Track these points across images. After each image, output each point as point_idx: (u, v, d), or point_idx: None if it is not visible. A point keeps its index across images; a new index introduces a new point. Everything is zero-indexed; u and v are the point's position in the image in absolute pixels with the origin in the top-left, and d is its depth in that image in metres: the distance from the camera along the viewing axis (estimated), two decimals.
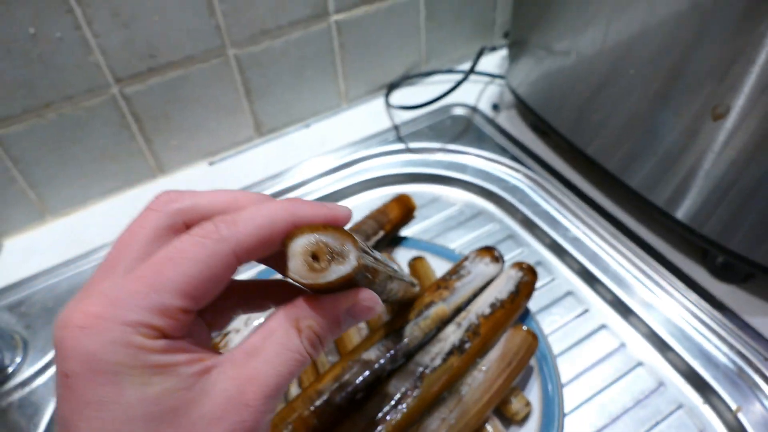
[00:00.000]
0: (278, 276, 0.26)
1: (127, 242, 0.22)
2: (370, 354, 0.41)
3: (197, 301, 0.21)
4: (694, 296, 0.49)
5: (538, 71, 0.62)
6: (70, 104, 0.55)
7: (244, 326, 0.43)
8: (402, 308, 0.44)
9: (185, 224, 0.23)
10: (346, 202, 0.64)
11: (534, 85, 0.63)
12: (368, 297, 0.24)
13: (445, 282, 0.46)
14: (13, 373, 0.49)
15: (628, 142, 0.53)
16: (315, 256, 0.22)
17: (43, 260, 0.58)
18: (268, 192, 0.63)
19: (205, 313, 0.25)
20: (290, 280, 0.22)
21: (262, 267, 0.55)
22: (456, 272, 0.47)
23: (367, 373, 0.40)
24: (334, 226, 0.22)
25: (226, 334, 0.43)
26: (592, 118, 0.56)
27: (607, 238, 0.55)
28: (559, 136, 0.60)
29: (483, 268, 0.47)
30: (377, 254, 0.28)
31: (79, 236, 0.60)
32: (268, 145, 0.69)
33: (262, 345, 0.22)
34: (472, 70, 0.68)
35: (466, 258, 0.48)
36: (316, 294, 0.23)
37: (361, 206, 0.62)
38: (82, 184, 0.61)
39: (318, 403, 0.38)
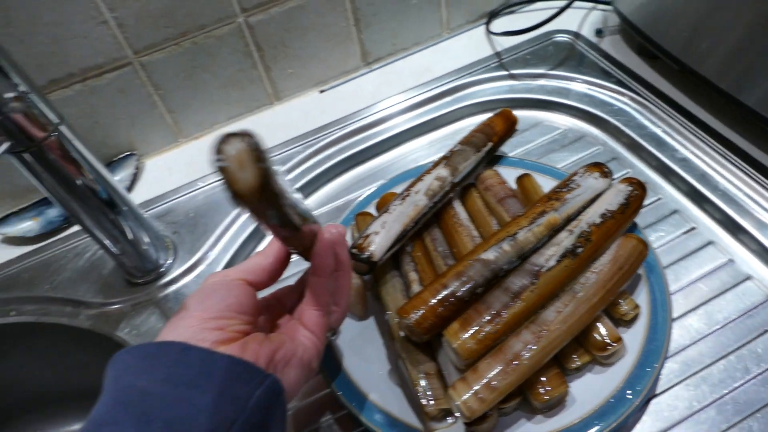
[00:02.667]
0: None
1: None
2: (488, 255, 0.44)
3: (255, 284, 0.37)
4: None
5: None
6: (202, 33, 0.60)
7: (382, 228, 0.48)
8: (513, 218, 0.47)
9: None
10: (450, 128, 0.67)
11: (644, 7, 0.62)
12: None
13: (556, 194, 0.49)
14: (166, 271, 0.57)
15: (745, 58, 0.52)
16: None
17: (180, 177, 0.65)
18: (376, 117, 0.66)
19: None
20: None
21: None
22: (566, 185, 0.49)
23: (486, 270, 0.43)
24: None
25: (367, 236, 0.48)
26: (707, 36, 0.55)
27: (717, 159, 0.55)
28: (669, 57, 0.60)
29: (592, 182, 0.49)
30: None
31: (208, 156, 0.67)
32: (373, 74, 0.72)
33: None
34: None
35: (575, 173, 0.50)
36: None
37: (465, 131, 0.64)
38: (210, 110, 0.67)
39: (443, 294, 0.42)
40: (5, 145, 0.41)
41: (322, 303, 0.37)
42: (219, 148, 0.26)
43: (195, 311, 0.33)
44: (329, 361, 0.46)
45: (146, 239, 0.55)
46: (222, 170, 0.26)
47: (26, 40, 0.54)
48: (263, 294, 0.39)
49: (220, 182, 0.27)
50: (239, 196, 0.26)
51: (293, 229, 0.32)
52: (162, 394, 0.28)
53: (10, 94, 0.39)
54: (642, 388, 0.41)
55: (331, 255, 0.37)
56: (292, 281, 0.43)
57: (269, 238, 0.60)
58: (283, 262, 0.38)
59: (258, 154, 0.26)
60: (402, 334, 0.44)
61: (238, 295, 0.35)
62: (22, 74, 0.40)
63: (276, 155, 0.65)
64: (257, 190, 0.26)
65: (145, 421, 0.26)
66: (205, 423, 0.27)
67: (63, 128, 0.43)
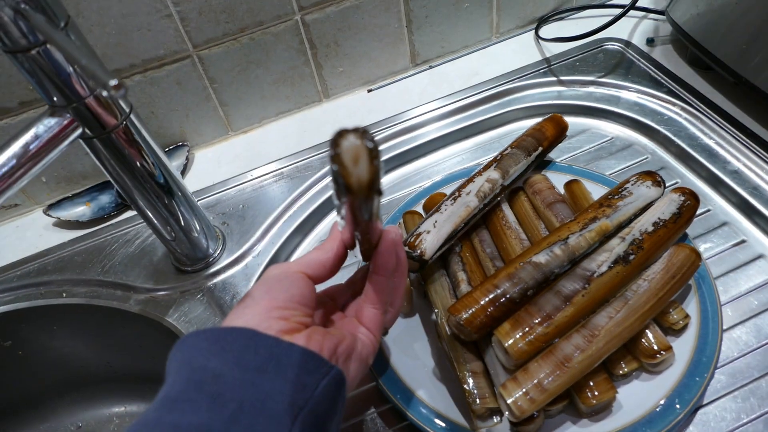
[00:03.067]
0: None
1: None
2: (540, 258, 0.45)
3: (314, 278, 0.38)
4: None
5: (704, 3, 0.61)
6: (260, 29, 0.62)
7: (433, 227, 0.49)
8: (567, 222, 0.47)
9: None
10: (496, 132, 0.68)
11: (699, 17, 0.62)
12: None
13: (608, 201, 0.49)
14: (215, 261, 0.59)
15: None
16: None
17: (229, 169, 0.67)
18: (423, 118, 0.67)
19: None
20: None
21: None
22: (618, 193, 0.49)
23: (537, 273, 0.44)
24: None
25: (419, 234, 0.48)
26: (763, 47, 0.55)
27: None
28: (723, 67, 0.59)
29: (645, 191, 0.49)
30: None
31: (256, 150, 0.69)
32: (421, 75, 0.73)
33: None
34: (633, 5, 0.67)
35: (627, 181, 0.50)
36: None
37: (511, 136, 0.65)
38: (261, 105, 0.69)
39: (494, 294, 0.43)
40: (78, 132, 0.43)
41: (381, 301, 0.38)
42: (336, 141, 0.27)
43: (261, 300, 0.34)
44: (376, 356, 0.47)
45: (197, 227, 0.56)
46: (337, 162, 0.26)
47: (94, 30, 0.56)
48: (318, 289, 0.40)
49: (331, 174, 0.28)
50: (350, 190, 0.27)
51: (373, 225, 0.33)
52: (233, 377, 0.28)
53: (88, 82, 0.41)
54: (690, 397, 0.41)
55: (394, 254, 0.38)
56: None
57: (319, 231, 0.61)
58: (342, 259, 0.39)
59: (373, 152, 0.27)
60: (450, 332, 0.45)
61: (301, 287, 0.36)
62: (100, 64, 0.42)
63: (322, 153, 0.66)
64: (368, 185, 0.27)
65: (219, 401, 0.27)
66: (274, 407, 0.28)
67: (133, 117, 0.45)
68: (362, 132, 0.27)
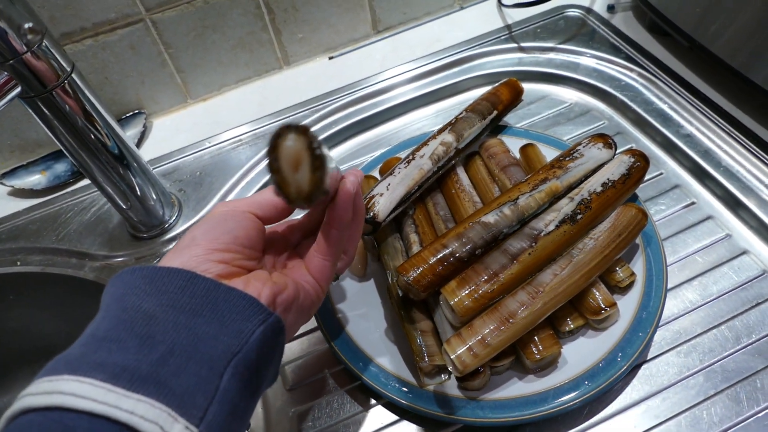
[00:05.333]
0: None
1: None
2: (489, 218, 0.45)
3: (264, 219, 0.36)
4: None
5: None
6: None
7: (386, 190, 0.48)
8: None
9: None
10: (457, 98, 0.67)
11: None
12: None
13: (559, 162, 0.49)
14: (170, 227, 0.58)
15: (757, 38, 0.52)
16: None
17: (187, 137, 0.66)
18: (384, 85, 0.67)
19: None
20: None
21: None
22: (570, 155, 0.50)
23: (485, 233, 0.44)
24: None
25: (372, 197, 0.48)
26: (720, 14, 0.55)
27: (721, 136, 0.55)
28: (680, 34, 0.60)
29: (596, 153, 0.50)
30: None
31: (215, 118, 0.68)
32: (383, 43, 0.73)
33: None
34: None
35: (579, 143, 0.51)
36: None
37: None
38: (219, 72, 0.68)
39: (442, 254, 0.43)
40: (17, 90, 0.42)
41: (333, 254, 0.37)
42: (275, 144, 0.24)
43: (202, 240, 0.33)
44: (329, 319, 0.47)
45: (153, 195, 0.56)
46: (274, 170, 0.24)
47: None
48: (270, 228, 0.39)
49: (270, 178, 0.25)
50: (289, 200, 0.25)
51: (325, 198, 0.32)
52: (167, 319, 0.28)
53: (25, 38, 0.40)
54: (633, 352, 0.41)
55: (350, 209, 0.36)
56: None
57: None
58: None
59: (316, 159, 0.24)
60: (401, 292, 0.45)
61: (246, 228, 0.34)
62: (37, 19, 0.41)
63: (280, 118, 0.65)
64: (307, 197, 0.25)
65: (149, 344, 0.27)
66: (207, 351, 0.28)
67: (75, 77, 0.44)
68: (303, 131, 0.24)
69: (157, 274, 0.30)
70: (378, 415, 0.44)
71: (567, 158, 0.49)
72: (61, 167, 0.66)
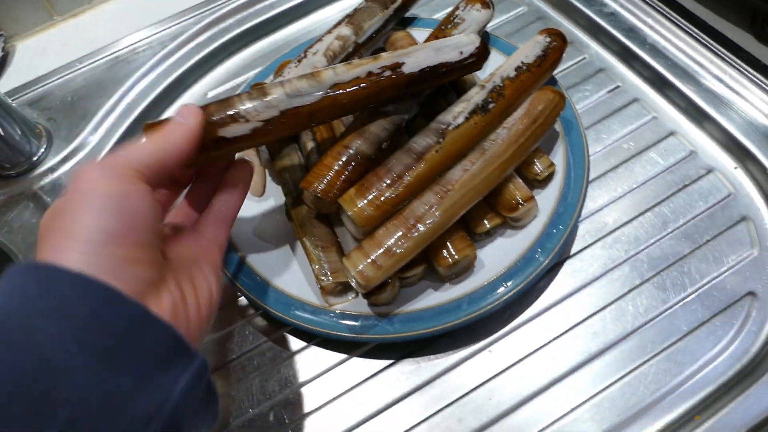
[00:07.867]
0: None
1: None
2: (387, 107, 0.39)
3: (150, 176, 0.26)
4: (737, 61, 0.46)
5: None
6: None
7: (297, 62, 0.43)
8: None
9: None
10: None
11: None
12: None
13: (441, 32, 0.46)
14: (40, 161, 0.50)
15: None
16: None
17: (56, 59, 0.57)
18: None
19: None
20: None
21: None
22: (450, 22, 0.47)
23: (387, 123, 0.39)
24: None
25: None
26: None
27: (647, 11, 0.51)
28: None
29: (476, 14, 0.47)
30: None
31: (88, 35, 0.59)
32: None
33: None
34: None
35: (457, 8, 0.47)
36: None
37: None
38: None
39: (346, 156, 0.37)
40: None
41: (231, 218, 0.33)
42: None
43: (99, 235, 0.23)
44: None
45: (16, 129, 0.48)
46: None
47: None
48: None
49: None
50: None
51: None
52: (69, 365, 0.20)
53: None
54: (552, 247, 0.38)
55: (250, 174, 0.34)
56: None
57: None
58: (195, 144, 0.29)
59: None
60: (308, 208, 0.40)
61: (145, 209, 0.25)
62: None
63: (164, 29, 0.57)
64: None
65: (43, 413, 0.19)
66: (119, 418, 0.21)
67: None
68: None
69: (60, 286, 0.21)
70: (285, 342, 0.40)
71: (449, 26, 0.46)
72: None
